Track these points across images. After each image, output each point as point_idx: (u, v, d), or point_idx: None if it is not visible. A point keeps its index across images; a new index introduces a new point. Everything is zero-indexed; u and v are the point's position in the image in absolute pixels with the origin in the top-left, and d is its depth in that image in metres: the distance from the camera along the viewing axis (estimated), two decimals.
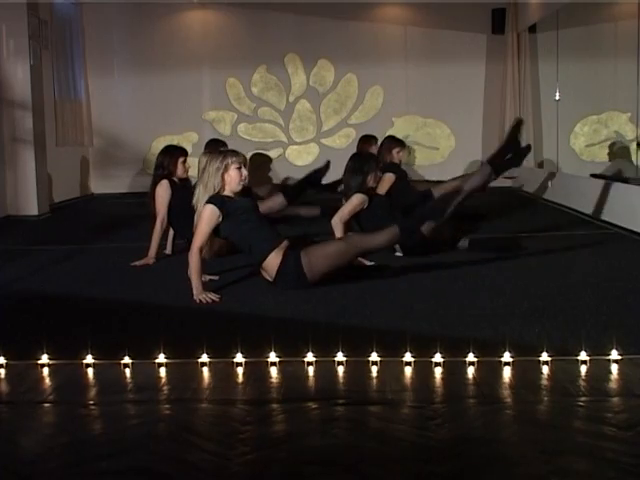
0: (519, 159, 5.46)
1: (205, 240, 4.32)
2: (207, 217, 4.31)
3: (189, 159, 5.90)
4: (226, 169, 4.39)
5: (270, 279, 4.44)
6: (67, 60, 10.21)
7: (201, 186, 4.43)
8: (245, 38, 11.02)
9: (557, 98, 9.24)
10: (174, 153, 5.75)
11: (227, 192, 4.42)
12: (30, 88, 8.45)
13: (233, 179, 4.40)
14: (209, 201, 4.34)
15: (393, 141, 7.12)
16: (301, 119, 11.24)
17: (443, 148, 11.11)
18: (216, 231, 4.38)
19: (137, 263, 5.34)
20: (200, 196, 4.40)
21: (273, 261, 4.35)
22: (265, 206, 4.84)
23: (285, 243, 4.42)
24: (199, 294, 4.20)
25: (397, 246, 5.43)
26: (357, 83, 11.18)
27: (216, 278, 4.72)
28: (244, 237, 4.40)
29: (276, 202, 5.00)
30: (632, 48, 7.26)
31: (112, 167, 11.16)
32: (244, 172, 4.43)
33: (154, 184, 5.65)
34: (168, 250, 5.72)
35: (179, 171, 5.68)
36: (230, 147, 6.99)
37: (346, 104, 11.23)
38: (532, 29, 10.36)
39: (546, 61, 9.98)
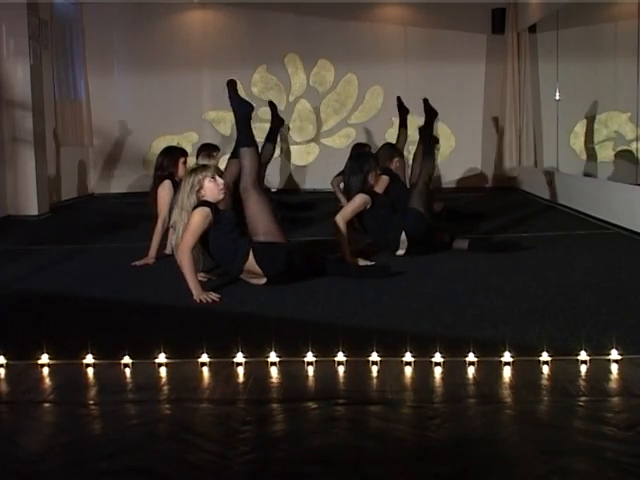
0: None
1: (195, 242, 4.33)
2: (202, 219, 4.33)
3: (189, 159, 5.91)
4: (200, 185, 4.44)
5: (264, 278, 4.50)
6: (67, 60, 10.21)
7: (177, 208, 4.47)
8: (245, 38, 11.02)
9: (557, 98, 9.24)
10: (174, 154, 5.75)
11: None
12: (30, 88, 8.45)
13: (210, 190, 4.45)
14: (201, 205, 4.38)
15: (394, 150, 7.10)
16: (301, 119, 11.24)
17: (443, 148, 11.09)
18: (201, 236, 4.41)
19: (137, 263, 5.35)
20: (177, 217, 4.44)
21: (251, 262, 4.44)
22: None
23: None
24: (199, 294, 4.20)
25: (403, 241, 5.42)
26: (357, 83, 11.18)
27: (214, 278, 4.72)
28: (225, 247, 4.46)
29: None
30: (632, 48, 7.26)
31: (112, 167, 11.16)
32: (219, 180, 4.48)
33: (155, 185, 5.65)
34: (168, 250, 5.72)
35: (180, 172, 5.67)
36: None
37: (346, 104, 11.23)
38: (532, 29, 10.35)
39: (546, 61, 9.97)
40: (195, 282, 4.26)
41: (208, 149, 6.82)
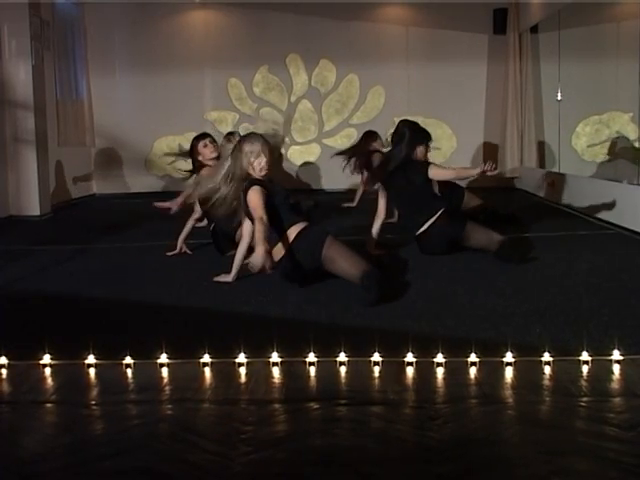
0: None
1: (263, 212, 4.36)
2: (258, 196, 4.42)
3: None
4: (248, 161, 4.59)
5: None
6: (69, 60, 10.22)
7: (223, 173, 4.63)
8: (246, 38, 11.02)
9: (559, 98, 9.24)
10: (194, 142, 5.98)
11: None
12: (32, 88, 8.46)
13: (254, 169, 4.59)
14: (252, 184, 4.49)
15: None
16: (303, 119, 11.25)
17: (445, 148, 11.11)
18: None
19: (159, 204, 5.44)
20: (223, 181, 4.60)
21: (285, 241, 4.48)
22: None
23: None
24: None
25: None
26: (359, 83, 11.18)
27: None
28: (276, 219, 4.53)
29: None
30: (634, 48, 7.26)
31: (114, 167, 11.17)
32: (264, 162, 4.59)
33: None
34: (180, 244, 5.72)
35: (205, 155, 5.87)
36: None
37: (348, 104, 11.23)
38: (534, 29, 10.35)
39: (548, 61, 9.97)
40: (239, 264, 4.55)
41: (228, 135, 7.12)
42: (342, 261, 4.34)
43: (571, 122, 9.65)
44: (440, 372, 2.94)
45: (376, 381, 2.89)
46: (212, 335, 3.39)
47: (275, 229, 4.48)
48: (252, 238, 4.64)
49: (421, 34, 11.06)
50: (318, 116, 11.24)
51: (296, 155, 11.26)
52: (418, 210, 5.46)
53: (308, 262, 4.43)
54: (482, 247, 5.27)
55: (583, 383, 2.81)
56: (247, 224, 4.63)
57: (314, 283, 4.49)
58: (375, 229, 5.53)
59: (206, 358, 3.04)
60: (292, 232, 4.48)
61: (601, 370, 2.92)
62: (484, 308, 3.92)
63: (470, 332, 3.45)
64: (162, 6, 10.93)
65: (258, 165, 4.58)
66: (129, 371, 3.02)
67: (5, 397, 2.84)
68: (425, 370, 2.95)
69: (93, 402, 2.72)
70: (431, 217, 5.40)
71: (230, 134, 7.36)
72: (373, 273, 4.15)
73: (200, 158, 5.87)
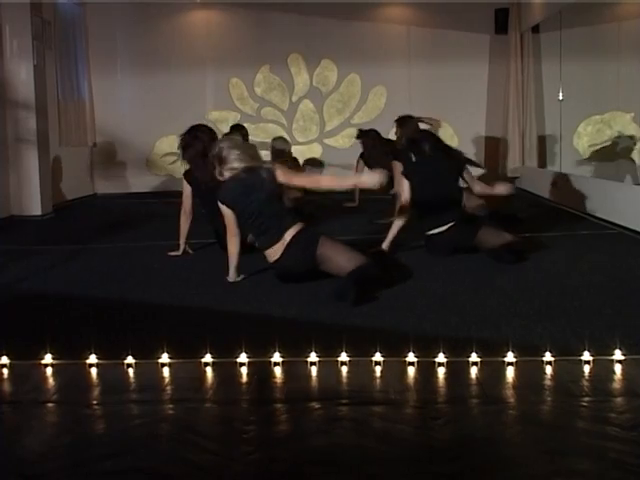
0: None
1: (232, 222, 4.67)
2: (230, 216, 4.69)
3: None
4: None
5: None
6: (70, 60, 10.22)
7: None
8: (248, 38, 11.02)
9: (560, 98, 9.23)
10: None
11: None
12: (34, 88, 8.46)
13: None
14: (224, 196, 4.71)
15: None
16: (304, 119, 11.25)
17: None
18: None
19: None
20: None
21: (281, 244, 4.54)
22: None
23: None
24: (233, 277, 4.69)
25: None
26: (360, 83, 11.18)
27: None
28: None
29: None
30: (635, 48, 7.26)
31: (115, 167, 11.17)
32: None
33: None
34: (183, 245, 5.69)
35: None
36: None
37: (349, 104, 11.23)
38: (535, 29, 10.35)
39: (549, 61, 9.97)
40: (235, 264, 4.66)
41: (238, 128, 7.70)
42: (338, 257, 4.35)
43: (572, 122, 9.64)
44: (441, 372, 2.94)
45: (377, 381, 2.89)
46: (213, 335, 3.39)
47: (271, 230, 4.50)
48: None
49: (423, 34, 11.05)
50: (319, 116, 11.23)
51: (297, 155, 11.23)
52: (444, 207, 5.36)
53: (301, 265, 4.45)
54: (495, 249, 5.26)
55: (585, 383, 2.81)
56: (230, 224, 4.65)
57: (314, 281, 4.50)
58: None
59: (208, 358, 3.05)
60: (288, 235, 4.47)
61: (603, 370, 2.92)
62: (485, 308, 3.92)
63: (471, 332, 3.45)
64: (163, 6, 10.93)
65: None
66: (130, 371, 3.02)
67: (7, 397, 2.84)
68: (426, 370, 2.95)
69: (94, 402, 2.73)
70: (449, 222, 5.34)
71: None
72: (364, 269, 4.21)
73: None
